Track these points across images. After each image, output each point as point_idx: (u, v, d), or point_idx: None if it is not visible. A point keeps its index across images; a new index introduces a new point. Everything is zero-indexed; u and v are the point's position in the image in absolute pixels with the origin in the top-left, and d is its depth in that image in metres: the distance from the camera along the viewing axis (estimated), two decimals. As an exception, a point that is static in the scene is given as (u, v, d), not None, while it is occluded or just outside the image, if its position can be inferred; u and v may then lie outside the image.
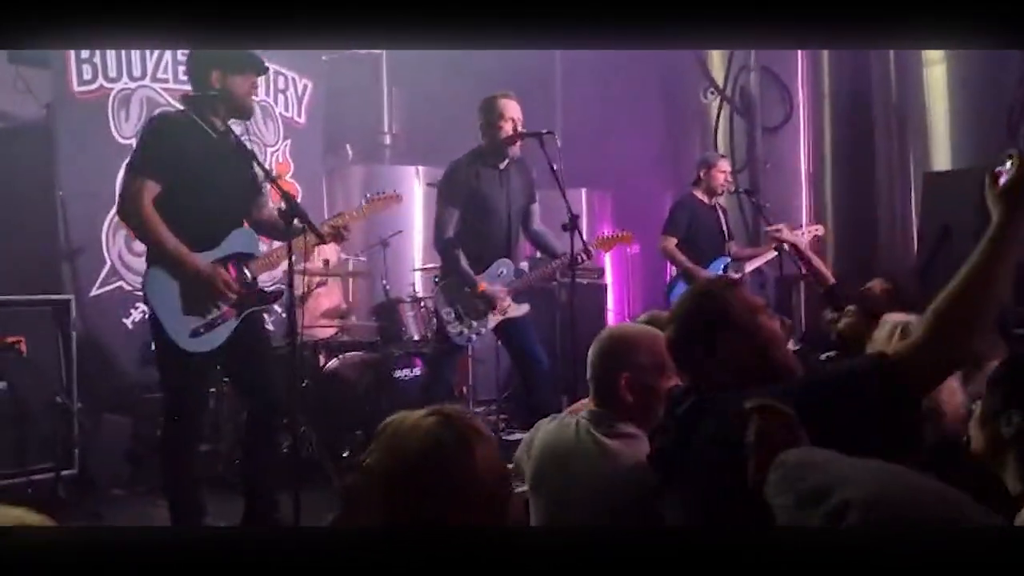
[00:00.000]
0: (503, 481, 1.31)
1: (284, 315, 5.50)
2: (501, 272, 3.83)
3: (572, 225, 3.43)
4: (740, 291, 1.70)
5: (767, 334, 1.63)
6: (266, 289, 3.18)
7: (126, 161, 2.93)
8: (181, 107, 3.05)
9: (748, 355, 1.60)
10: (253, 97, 3.00)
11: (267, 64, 3.12)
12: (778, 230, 3.59)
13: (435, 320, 3.89)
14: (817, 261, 3.27)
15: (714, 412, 1.54)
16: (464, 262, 3.76)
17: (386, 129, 6.83)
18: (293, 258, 2.72)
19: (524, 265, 4.31)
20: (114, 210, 4.88)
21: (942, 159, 5.66)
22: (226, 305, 2.94)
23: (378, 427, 1.31)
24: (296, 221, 2.75)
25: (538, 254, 4.42)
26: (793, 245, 3.41)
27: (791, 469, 1.18)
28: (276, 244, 3.28)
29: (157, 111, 2.89)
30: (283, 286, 3.09)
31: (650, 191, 7.11)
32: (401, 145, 6.87)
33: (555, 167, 3.54)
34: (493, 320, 3.81)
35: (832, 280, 3.17)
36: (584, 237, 3.54)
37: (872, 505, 1.01)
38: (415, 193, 6.35)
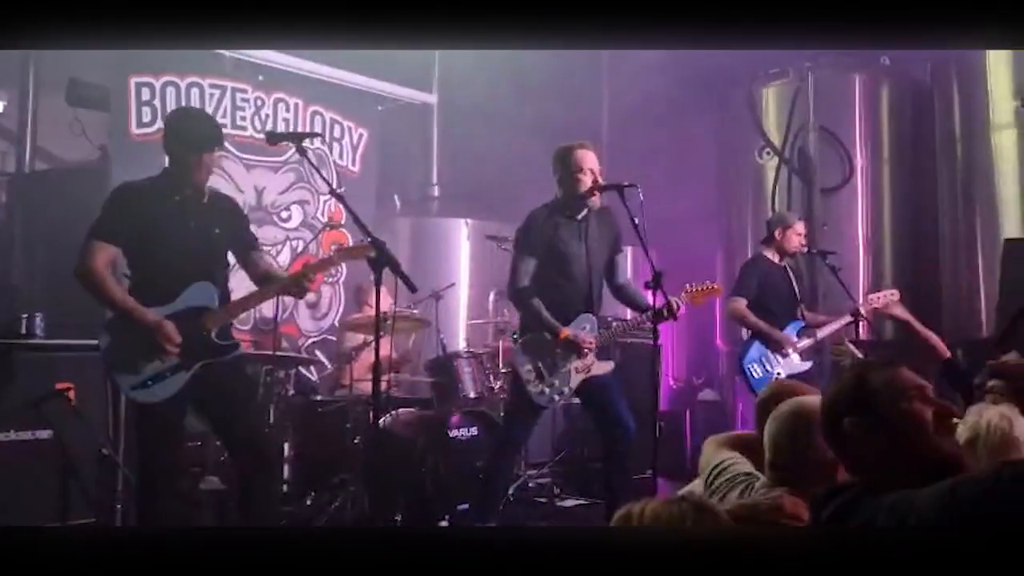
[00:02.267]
0: None
1: (330, 368, 5.35)
2: (584, 327, 3.58)
3: (656, 284, 3.26)
4: (895, 373, 1.54)
5: (915, 423, 1.48)
6: (219, 342, 3.08)
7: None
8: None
9: (891, 447, 1.47)
10: (208, 174, 3.08)
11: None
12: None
13: (513, 379, 3.64)
14: (928, 333, 3.05)
15: (860, 513, 1.41)
16: (543, 309, 3.54)
17: (434, 180, 6.75)
18: (382, 309, 2.62)
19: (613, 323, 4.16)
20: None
21: (1012, 226, 5.50)
22: (171, 358, 2.95)
23: (616, 515, 1.17)
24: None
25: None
26: (906, 321, 3.18)
27: None
28: (251, 291, 3.24)
29: (121, 182, 3.11)
30: (239, 340, 3.16)
31: (698, 249, 6.96)
32: (449, 197, 6.77)
33: (637, 221, 3.38)
34: (576, 379, 3.57)
35: (948, 353, 2.93)
36: (665, 295, 3.37)
37: None
38: (462, 246, 6.23)
